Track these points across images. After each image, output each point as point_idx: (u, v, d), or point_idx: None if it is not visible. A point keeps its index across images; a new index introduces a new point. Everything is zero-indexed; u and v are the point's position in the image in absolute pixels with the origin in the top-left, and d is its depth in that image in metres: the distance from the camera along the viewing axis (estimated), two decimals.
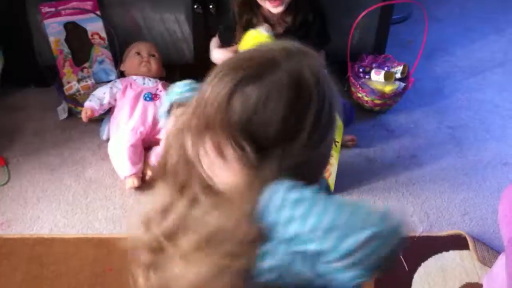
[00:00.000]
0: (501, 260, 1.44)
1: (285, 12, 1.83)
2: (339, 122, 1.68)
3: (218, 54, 1.93)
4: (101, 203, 1.84)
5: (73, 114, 2.11)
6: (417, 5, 2.10)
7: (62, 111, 2.13)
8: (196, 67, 1.90)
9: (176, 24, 2.14)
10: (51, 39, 2.06)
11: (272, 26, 1.84)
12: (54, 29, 2.04)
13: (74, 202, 1.84)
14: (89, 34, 2.09)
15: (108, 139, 1.99)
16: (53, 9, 2.00)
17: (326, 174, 1.85)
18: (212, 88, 0.76)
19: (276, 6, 1.79)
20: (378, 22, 2.22)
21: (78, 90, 2.08)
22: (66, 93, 2.08)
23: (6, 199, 1.84)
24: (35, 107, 2.18)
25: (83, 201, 1.84)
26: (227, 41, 1.92)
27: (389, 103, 2.22)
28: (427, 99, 2.32)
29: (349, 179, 1.94)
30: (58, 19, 2.03)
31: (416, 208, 1.86)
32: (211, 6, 2.03)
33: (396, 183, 1.96)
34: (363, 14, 2.08)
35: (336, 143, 1.79)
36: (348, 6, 2.13)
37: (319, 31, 1.94)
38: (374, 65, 2.24)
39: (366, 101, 2.20)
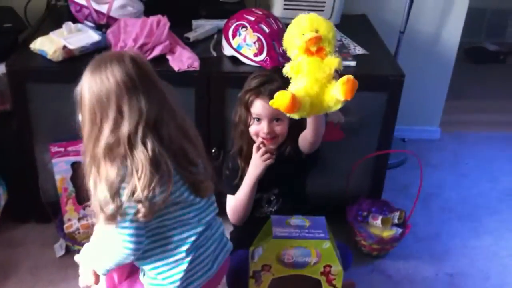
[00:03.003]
0: None
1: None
2: (339, 268, 1.69)
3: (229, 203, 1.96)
4: None
5: (70, 252, 2.11)
6: (409, 152, 2.19)
7: (59, 248, 2.13)
8: None
9: None
10: (57, 177, 2.11)
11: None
12: (61, 168, 2.10)
13: None
14: None
15: None
16: (62, 149, 2.07)
17: None
18: None
19: (268, 144, 1.86)
20: (374, 167, 2.29)
21: (77, 229, 2.10)
22: (66, 231, 2.09)
23: None
24: (33, 243, 2.18)
25: None
26: (232, 184, 1.93)
27: (387, 248, 2.23)
28: (424, 245, 2.33)
29: None
30: (66, 158, 2.10)
31: None
32: (213, 150, 2.11)
33: None
34: (360, 161, 2.16)
35: None
36: (345, 151, 2.22)
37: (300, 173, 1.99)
38: (372, 209, 2.28)
39: (364, 245, 2.21)
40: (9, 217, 2.22)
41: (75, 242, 2.07)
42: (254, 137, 1.87)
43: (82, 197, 2.15)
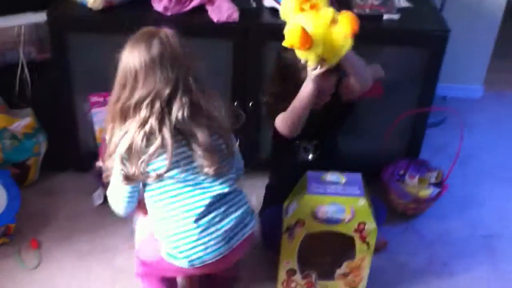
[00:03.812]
0: None
1: None
2: (373, 225, 1.68)
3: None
4: None
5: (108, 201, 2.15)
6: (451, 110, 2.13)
7: (97, 197, 2.17)
8: None
9: None
10: (97, 127, 2.14)
11: None
12: (100, 118, 2.12)
13: None
14: None
15: None
16: (101, 99, 2.09)
17: (357, 279, 1.82)
18: None
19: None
20: (413, 125, 2.25)
21: None
22: (105, 180, 2.12)
23: (34, 284, 1.85)
24: (71, 192, 2.23)
25: None
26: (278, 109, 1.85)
27: (422, 207, 2.21)
28: (460, 206, 2.30)
29: (380, 285, 1.91)
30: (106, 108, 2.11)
31: None
32: (250, 104, 2.10)
33: None
34: (400, 118, 2.12)
35: (370, 245, 1.77)
36: (384, 109, 2.17)
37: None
38: (409, 169, 2.25)
39: (399, 204, 2.19)
40: (48, 166, 2.27)
41: None
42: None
43: None
